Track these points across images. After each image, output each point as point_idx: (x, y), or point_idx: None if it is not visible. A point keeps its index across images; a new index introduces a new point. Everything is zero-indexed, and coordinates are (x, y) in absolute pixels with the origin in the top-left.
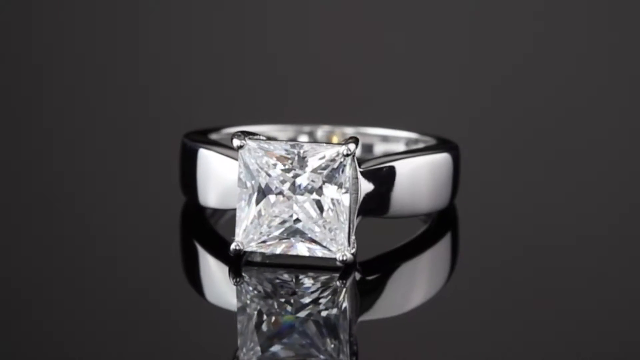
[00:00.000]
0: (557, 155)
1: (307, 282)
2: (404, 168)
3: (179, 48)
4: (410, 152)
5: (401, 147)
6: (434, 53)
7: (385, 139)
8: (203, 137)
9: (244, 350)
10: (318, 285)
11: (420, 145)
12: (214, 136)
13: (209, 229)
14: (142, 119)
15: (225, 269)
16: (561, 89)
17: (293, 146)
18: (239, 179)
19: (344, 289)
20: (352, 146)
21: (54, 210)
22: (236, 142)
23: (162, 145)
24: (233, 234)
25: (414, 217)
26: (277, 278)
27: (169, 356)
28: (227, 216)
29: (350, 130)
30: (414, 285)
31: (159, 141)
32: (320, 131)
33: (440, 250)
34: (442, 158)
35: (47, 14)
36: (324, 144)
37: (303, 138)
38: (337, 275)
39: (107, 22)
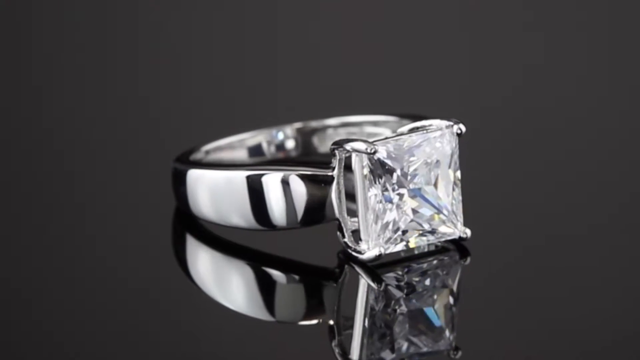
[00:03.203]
0: (557, 148)
1: (429, 267)
2: None
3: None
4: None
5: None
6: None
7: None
8: (190, 160)
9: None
10: (444, 267)
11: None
12: (197, 155)
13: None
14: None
15: (217, 259)
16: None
17: (402, 140)
18: (364, 185)
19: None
20: (462, 126)
21: (51, 212)
22: (369, 148)
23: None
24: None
25: None
26: (399, 273)
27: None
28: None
29: (333, 122)
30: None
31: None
32: (294, 129)
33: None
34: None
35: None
36: (428, 130)
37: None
38: (448, 256)
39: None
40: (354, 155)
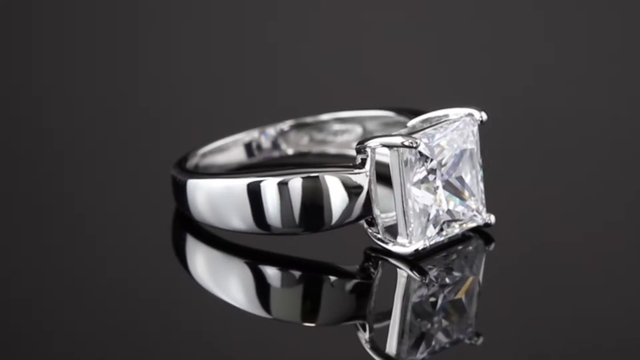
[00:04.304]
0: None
1: (457, 256)
2: None
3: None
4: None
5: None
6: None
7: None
8: (188, 166)
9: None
10: (470, 254)
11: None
12: (194, 160)
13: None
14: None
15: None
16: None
17: (429, 131)
18: (403, 179)
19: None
20: (484, 114)
21: (51, 211)
22: (406, 141)
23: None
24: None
25: None
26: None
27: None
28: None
29: (326, 117)
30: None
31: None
32: (286, 126)
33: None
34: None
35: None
36: (448, 120)
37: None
38: (473, 243)
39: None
40: (390, 150)
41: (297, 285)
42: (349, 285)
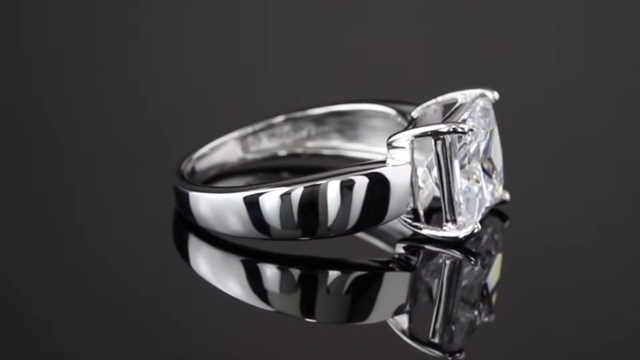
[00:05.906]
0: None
1: (482, 234)
2: None
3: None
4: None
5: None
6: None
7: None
8: (188, 174)
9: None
10: (492, 232)
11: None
12: (189, 165)
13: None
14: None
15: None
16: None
17: (455, 115)
18: (452, 166)
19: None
20: (496, 94)
21: (51, 210)
22: (460, 127)
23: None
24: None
25: None
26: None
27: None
28: None
29: (319, 111)
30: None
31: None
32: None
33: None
34: None
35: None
36: (470, 103)
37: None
38: (489, 222)
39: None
40: (435, 139)
41: (336, 283)
42: (384, 277)
